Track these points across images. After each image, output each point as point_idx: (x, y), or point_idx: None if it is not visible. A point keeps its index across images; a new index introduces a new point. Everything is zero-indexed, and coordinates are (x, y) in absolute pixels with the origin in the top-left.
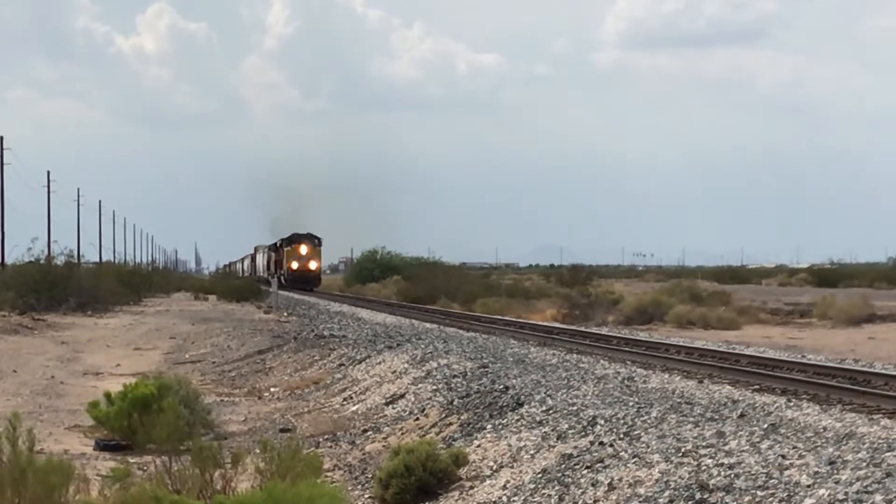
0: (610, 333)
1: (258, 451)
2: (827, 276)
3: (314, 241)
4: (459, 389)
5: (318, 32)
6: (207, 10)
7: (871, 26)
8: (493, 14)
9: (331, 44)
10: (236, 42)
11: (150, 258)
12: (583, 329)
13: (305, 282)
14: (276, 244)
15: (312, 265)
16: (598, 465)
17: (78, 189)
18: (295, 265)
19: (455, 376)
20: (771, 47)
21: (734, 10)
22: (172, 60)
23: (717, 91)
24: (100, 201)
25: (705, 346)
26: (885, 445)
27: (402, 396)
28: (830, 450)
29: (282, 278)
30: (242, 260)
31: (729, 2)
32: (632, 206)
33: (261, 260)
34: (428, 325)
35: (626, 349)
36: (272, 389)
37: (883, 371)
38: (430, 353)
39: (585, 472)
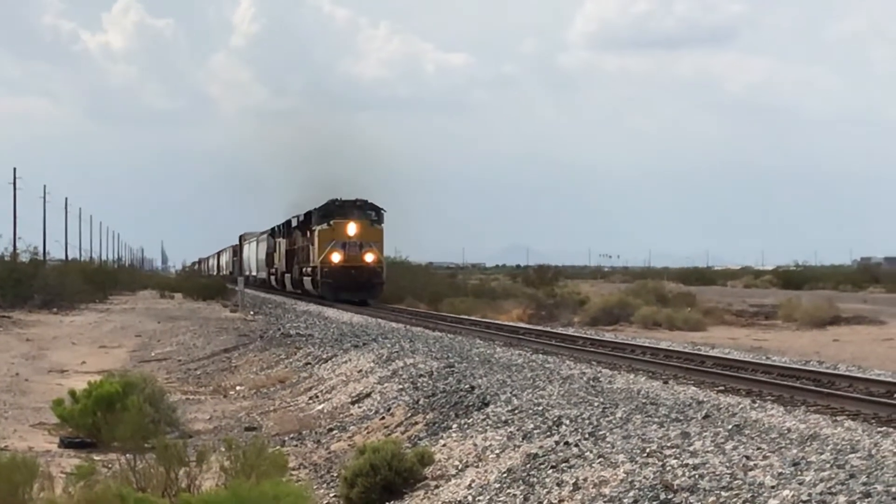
0: (576, 334)
1: (223, 449)
2: (792, 279)
3: (371, 215)
4: (425, 389)
5: (285, 31)
6: (174, 7)
7: (839, 29)
8: (460, 14)
9: (298, 43)
10: (203, 40)
11: (116, 256)
12: (549, 329)
13: (357, 286)
14: (290, 224)
15: (369, 257)
16: (564, 464)
17: (44, 186)
18: (337, 258)
19: (421, 376)
20: (739, 49)
21: (703, 11)
22: (139, 58)
23: (685, 93)
24: (66, 198)
25: (671, 347)
26: (848, 447)
27: (368, 395)
28: (794, 451)
29: (306, 281)
30: (218, 255)
31: (698, 3)
32: (598, 207)
33: (251, 253)
34: (394, 324)
35: (592, 350)
36: (238, 388)
37: (847, 373)
38: (397, 352)
39: (550, 471)
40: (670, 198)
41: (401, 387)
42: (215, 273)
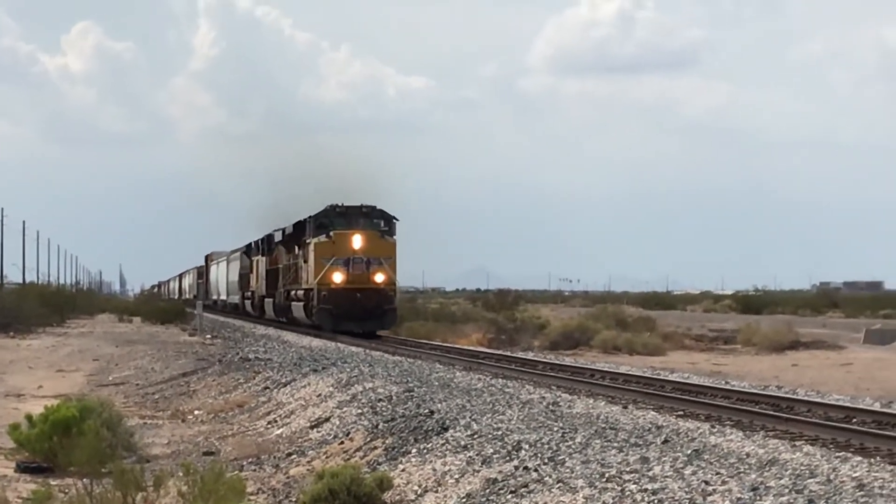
0: (536, 358)
1: (181, 474)
2: (751, 303)
3: (380, 224)
4: (384, 413)
5: (246, 54)
6: (133, 30)
7: (798, 53)
8: (420, 37)
9: (258, 66)
10: (163, 63)
11: (74, 279)
12: (509, 354)
13: (364, 314)
14: (272, 239)
15: (379, 277)
16: (523, 489)
17: (1, 209)
18: (339, 278)
19: (380, 400)
20: (699, 74)
21: (663, 36)
22: (98, 80)
23: (645, 117)
24: (24, 221)
25: (630, 372)
26: (807, 472)
27: (327, 420)
28: (753, 476)
29: (296, 307)
30: (180, 277)
31: (658, 28)
32: (558, 231)
33: (220, 275)
34: (353, 348)
35: (552, 374)
36: (196, 412)
37: (806, 398)
38: (356, 376)
39: (510, 496)
40: (630, 222)
41: (360, 411)
42: (177, 297)
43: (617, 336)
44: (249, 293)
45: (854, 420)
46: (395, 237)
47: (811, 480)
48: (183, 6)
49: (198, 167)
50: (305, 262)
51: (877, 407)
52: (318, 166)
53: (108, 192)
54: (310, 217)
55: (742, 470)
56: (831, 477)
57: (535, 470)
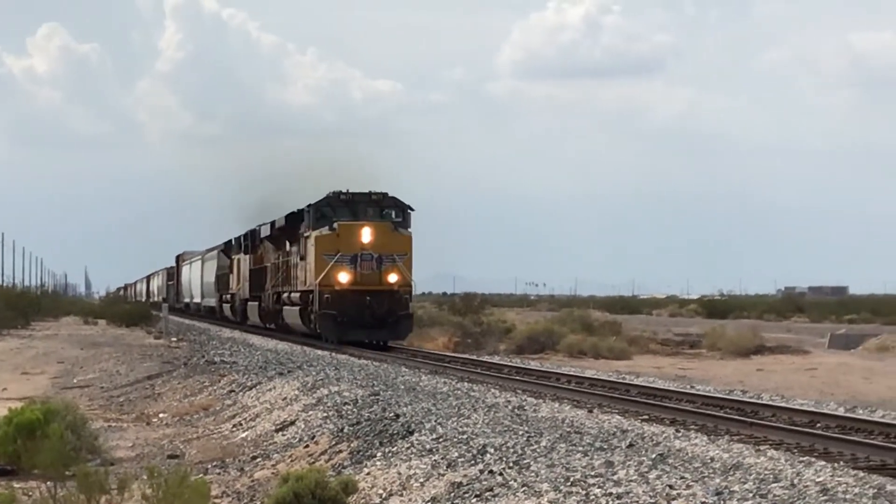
0: (502, 362)
1: (145, 477)
2: (717, 308)
3: (392, 215)
4: (350, 417)
5: (212, 57)
6: (99, 32)
7: (764, 60)
8: (387, 40)
9: (224, 69)
10: (129, 65)
11: (39, 281)
12: (475, 357)
13: (376, 321)
14: (256, 234)
15: (392, 277)
16: (488, 493)
17: None
18: (345, 278)
19: (346, 403)
20: (665, 79)
21: (629, 42)
22: (64, 82)
23: (611, 122)
24: None
25: (596, 376)
26: (771, 476)
27: (293, 423)
28: (718, 480)
29: (289, 312)
30: (148, 279)
31: (624, 34)
32: (525, 235)
33: (193, 276)
34: (319, 351)
35: (518, 378)
36: (161, 415)
37: (770, 402)
38: (321, 380)
39: (475, 500)
40: (597, 226)
41: (325, 415)
42: (145, 300)
43: (583, 340)
44: (228, 296)
45: (818, 425)
46: (410, 230)
47: (775, 485)
48: (149, 8)
49: (164, 169)
50: (303, 258)
51: (841, 412)
52: (283, 168)
53: (73, 194)
54: (309, 206)
55: (706, 474)
56: (795, 481)
57: (500, 474)
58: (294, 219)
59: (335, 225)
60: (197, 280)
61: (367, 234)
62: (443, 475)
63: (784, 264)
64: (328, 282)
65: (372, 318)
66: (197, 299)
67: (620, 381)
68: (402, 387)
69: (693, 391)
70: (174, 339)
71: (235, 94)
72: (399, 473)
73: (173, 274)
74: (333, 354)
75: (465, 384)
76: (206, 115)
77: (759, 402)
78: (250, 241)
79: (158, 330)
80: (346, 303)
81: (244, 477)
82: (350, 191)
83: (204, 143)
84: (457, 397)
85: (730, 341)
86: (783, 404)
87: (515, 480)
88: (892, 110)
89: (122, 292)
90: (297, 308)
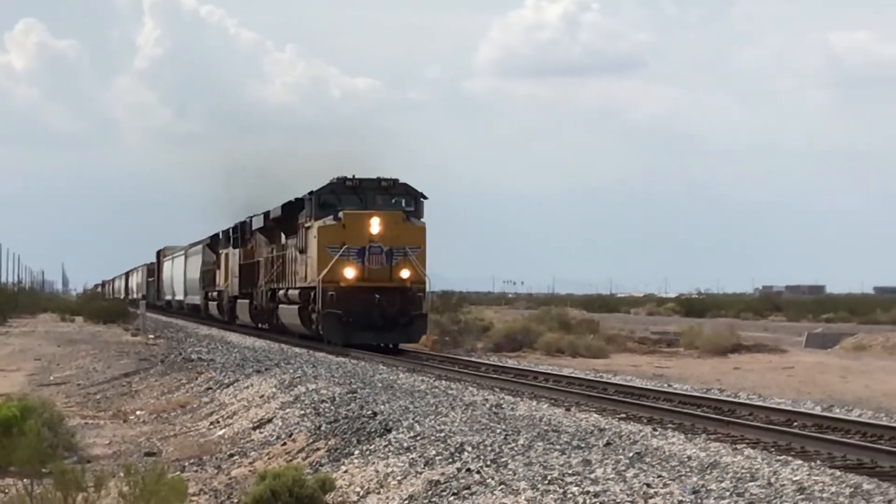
0: (479, 360)
1: (122, 474)
2: (694, 306)
3: (403, 203)
4: (327, 415)
5: (190, 54)
6: (77, 28)
7: (744, 59)
8: (365, 38)
9: (203, 66)
10: (107, 61)
11: (16, 278)
12: (452, 355)
13: (386, 322)
14: (246, 226)
15: (405, 273)
16: (465, 491)
17: None
18: (351, 273)
19: (323, 401)
20: (645, 78)
21: (609, 40)
22: (42, 78)
23: (590, 120)
24: None
25: (573, 374)
26: (748, 475)
27: (270, 421)
28: (695, 479)
29: (286, 311)
30: (127, 276)
31: (603, 32)
32: (503, 233)
33: (176, 272)
34: (297, 349)
35: (495, 376)
36: (138, 412)
37: (747, 401)
38: (299, 377)
39: (452, 498)
40: (575, 225)
41: (303, 412)
42: (123, 297)
43: (560, 338)
44: (215, 293)
45: (795, 424)
46: (423, 220)
47: (752, 484)
48: (127, 4)
49: (143, 166)
50: (302, 252)
51: (817, 411)
52: (259, 168)
53: (50, 191)
54: (310, 194)
55: (683, 473)
56: (772, 480)
57: (478, 472)
58: (292, 208)
59: (340, 214)
60: (180, 276)
61: (376, 225)
62: (420, 473)
63: (761, 263)
64: (332, 277)
65: (382, 319)
66: (180, 296)
67: (598, 379)
68: (380, 385)
69: (670, 390)
70: (151, 336)
71: (214, 91)
72: (376, 471)
73: (154, 270)
74: (311, 352)
75: (443, 382)
76: (185, 112)
77: (737, 400)
78: (240, 233)
79: (136, 327)
80: (352, 301)
81: (221, 475)
82: (357, 177)
83: (182, 140)
84: (434, 395)
85: (707, 340)
86: (760, 403)
87: (493, 479)
88: (870, 110)
89: (99, 289)
90: (296, 307)
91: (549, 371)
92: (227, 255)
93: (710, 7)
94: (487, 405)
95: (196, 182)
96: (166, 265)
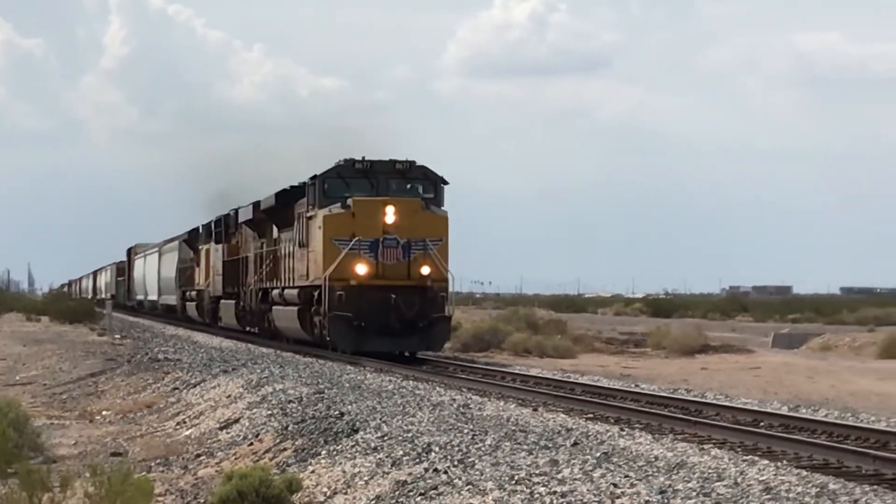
0: (447, 360)
1: (88, 475)
2: (661, 307)
3: (421, 189)
4: (294, 415)
5: (158, 53)
6: (43, 26)
7: (711, 58)
8: (333, 38)
9: (170, 65)
10: (73, 61)
11: None
12: (420, 355)
13: (404, 327)
14: (229, 220)
15: (425, 270)
16: (432, 492)
17: None
18: (363, 269)
19: (290, 401)
20: (613, 78)
21: (577, 40)
22: (8, 78)
23: (557, 120)
24: None
25: (541, 374)
26: (714, 475)
27: (237, 421)
28: (662, 479)
29: (282, 314)
30: (95, 275)
31: (571, 32)
32: (471, 233)
33: (148, 271)
34: (264, 349)
35: (463, 376)
36: (104, 413)
37: (714, 401)
38: (266, 377)
39: (419, 499)
40: (542, 225)
41: (270, 412)
42: (91, 296)
43: (528, 338)
44: (193, 292)
45: (762, 424)
46: (444, 209)
47: (719, 483)
48: (94, 4)
49: (110, 165)
50: (303, 245)
51: (784, 411)
52: (229, 171)
53: (16, 190)
54: (313, 179)
55: (651, 473)
56: (739, 480)
57: (445, 472)
58: (287, 197)
59: (349, 202)
60: (153, 275)
61: (391, 214)
62: (387, 473)
63: (729, 264)
64: (342, 275)
65: (399, 323)
66: (153, 296)
67: (565, 379)
68: (347, 385)
69: (637, 390)
70: (118, 336)
71: (181, 90)
72: (344, 472)
73: (124, 269)
74: (278, 353)
75: (411, 382)
76: (152, 112)
77: (704, 400)
78: (224, 227)
79: (102, 327)
80: (365, 302)
81: (188, 475)
82: (367, 158)
83: (150, 140)
84: (402, 395)
85: (674, 340)
86: (727, 403)
87: (460, 479)
88: (837, 111)
89: (66, 289)
90: (294, 308)
91: (516, 371)
92: (207, 251)
93: (677, 7)
94: (455, 405)
95: (165, 181)
96: (138, 263)
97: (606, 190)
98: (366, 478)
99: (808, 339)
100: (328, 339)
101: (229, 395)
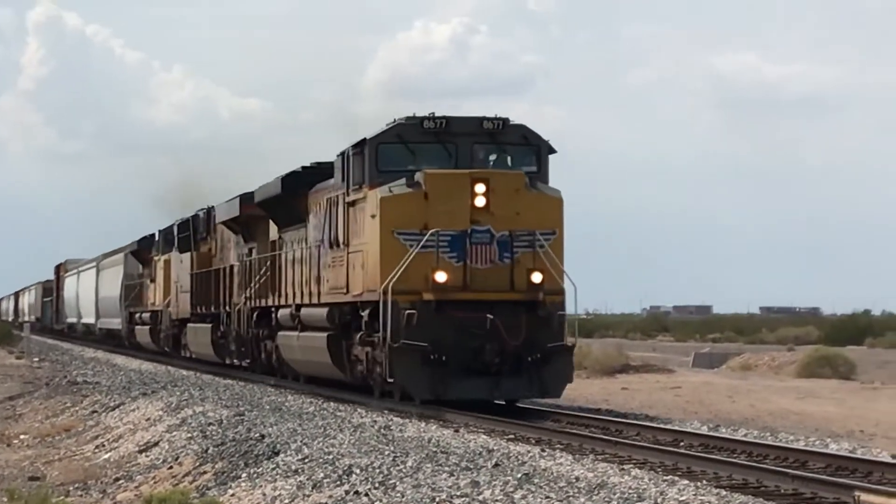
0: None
1: (5, 499)
2: (583, 326)
3: (521, 156)
4: (215, 437)
5: (76, 74)
6: None
7: (632, 79)
8: (255, 59)
9: (89, 85)
10: None
11: None
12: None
13: (504, 361)
14: (203, 220)
15: (536, 276)
16: None
17: None
18: (443, 277)
19: (210, 424)
20: (533, 99)
21: (498, 62)
22: None
23: None
24: None
25: None
26: (635, 495)
27: (156, 444)
28: (582, 499)
29: (286, 343)
30: (17, 296)
31: (492, 54)
32: None
33: (84, 289)
34: (184, 371)
35: (384, 398)
36: (22, 437)
37: (635, 421)
38: (186, 400)
39: None
40: None
41: (190, 435)
42: (12, 319)
43: None
44: (146, 315)
45: (682, 443)
46: (556, 188)
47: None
48: (11, 23)
49: (29, 186)
50: (337, 244)
51: (704, 430)
52: (150, 194)
53: None
54: (359, 144)
55: (571, 494)
56: (659, 500)
57: (366, 494)
58: (297, 182)
59: (419, 177)
60: (89, 294)
61: (482, 195)
62: (308, 496)
63: (649, 283)
64: (410, 286)
65: (498, 356)
66: (89, 319)
67: None
68: (268, 407)
69: (558, 410)
70: (36, 359)
71: (100, 110)
72: (264, 494)
73: (51, 288)
74: (198, 375)
75: (332, 404)
76: (71, 132)
77: (624, 420)
78: (191, 231)
79: (20, 349)
80: (446, 326)
81: (106, 499)
82: (438, 114)
83: (69, 160)
84: (323, 417)
85: (595, 360)
86: (647, 423)
87: (381, 501)
88: (753, 131)
89: None
90: (322, 336)
91: None
92: (167, 262)
93: (598, 30)
94: (376, 427)
95: (88, 200)
96: (69, 281)
97: None
98: (286, 500)
99: (728, 358)
100: (390, 380)
101: (149, 418)
